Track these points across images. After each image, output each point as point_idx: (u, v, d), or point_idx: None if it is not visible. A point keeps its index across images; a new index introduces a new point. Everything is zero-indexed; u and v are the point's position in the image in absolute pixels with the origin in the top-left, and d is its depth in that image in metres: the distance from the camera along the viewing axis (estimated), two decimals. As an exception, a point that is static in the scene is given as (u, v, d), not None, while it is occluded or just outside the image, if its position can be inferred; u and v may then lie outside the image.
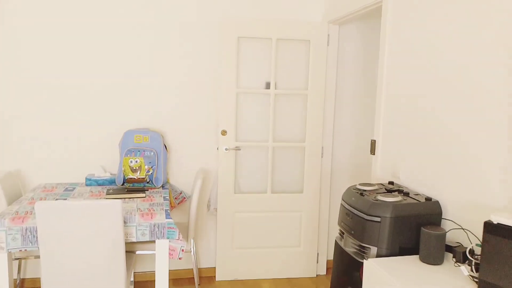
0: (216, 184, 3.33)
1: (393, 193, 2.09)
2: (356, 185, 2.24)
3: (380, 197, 1.97)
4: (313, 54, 3.27)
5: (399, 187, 2.22)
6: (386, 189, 2.15)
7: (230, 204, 3.32)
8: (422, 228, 1.82)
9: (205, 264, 3.47)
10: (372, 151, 2.58)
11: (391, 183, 2.28)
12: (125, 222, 2.33)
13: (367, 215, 1.93)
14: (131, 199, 2.71)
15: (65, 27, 3.04)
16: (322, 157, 3.42)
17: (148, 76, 3.20)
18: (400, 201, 1.94)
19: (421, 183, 2.15)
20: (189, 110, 3.29)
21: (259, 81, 3.31)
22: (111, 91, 3.16)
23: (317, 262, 3.52)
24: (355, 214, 2.02)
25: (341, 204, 2.20)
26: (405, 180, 2.29)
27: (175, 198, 3.28)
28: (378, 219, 1.90)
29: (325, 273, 3.56)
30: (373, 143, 2.57)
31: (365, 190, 2.14)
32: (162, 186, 3.08)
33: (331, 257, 3.68)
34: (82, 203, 2.15)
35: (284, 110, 3.36)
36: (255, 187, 3.42)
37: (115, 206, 2.18)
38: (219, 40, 3.25)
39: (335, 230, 3.66)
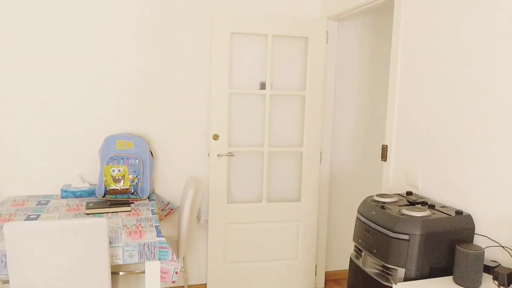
0: (207, 194, 3.05)
1: (417, 205, 1.87)
2: (372, 196, 2.02)
3: (405, 211, 1.75)
4: (311, 52, 3.04)
5: (421, 198, 2.01)
6: (408, 201, 1.93)
7: (222, 215, 3.05)
8: (458, 247, 1.60)
9: (194, 281, 3.18)
10: (383, 157, 2.36)
11: (409, 193, 2.07)
12: (110, 242, 2.03)
13: (392, 232, 1.71)
14: (114, 213, 2.40)
15: (42, 26, 2.70)
16: (320, 162, 3.19)
17: (131, 76, 2.89)
18: (429, 215, 1.72)
19: (445, 193, 1.95)
20: (178, 112, 2.99)
21: (253, 81, 3.05)
22: (90, 92, 2.83)
23: (315, 275, 3.29)
24: (377, 230, 1.79)
25: (358, 218, 1.97)
26: (425, 190, 2.08)
27: (162, 210, 2.98)
28: (406, 236, 1.68)
29: (323, 286, 3.33)
30: (384, 149, 2.36)
31: (384, 203, 1.92)
32: (148, 197, 2.78)
33: (329, 269, 3.46)
34: (60, 223, 1.83)
35: (280, 112, 3.12)
36: (249, 196, 3.16)
37: (100, 225, 1.88)
38: (210, 36, 2.98)
39: (334, 240, 3.44)
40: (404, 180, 2.23)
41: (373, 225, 1.82)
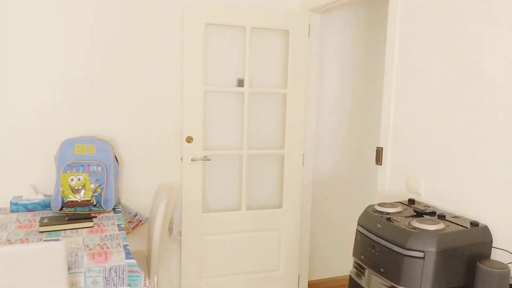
0: (180, 202, 2.75)
1: (425, 216, 1.67)
2: (373, 206, 1.80)
3: (417, 224, 1.54)
4: (293, 46, 2.80)
5: (427, 207, 1.81)
6: (415, 211, 1.72)
7: (197, 226, 2.76)
8: (479, 264, 1.41)
9: (167, 298, 2.87)
10: (378, 161, 2.16)
11: (411, 201, 1.87)
12: (69, 268, 1.70)
13: (404, 248, 1.49)
14: (74, 231, 2.06)
15: (-23, 5, 2.30)
16: (303, 165, 2.96)
17: (92, 71, 2.54)
18: (444, 228, 1.52)
19: (453, 201, 1.75)
20: (146, 112, 2.67)
21: (230, 78, 2.78)
22: (44, 89, 2.46)
23: (298, 286, 3.06)
24: (385, 246, 1.57)
25: (359, 231, 1.74)
26: (428, 197, 1.88)
27: (129, 222, 2.65)
28: (420, 254, 1.46)
29: (306, 298, 3.11)
30: (379, 151, 2.15)
31: (389, 213, 1.70)
32: (114, 209, 2.45)
33: (312, 278, 3.25)
34: (7, 250, 1.49)
35: (259, 111, 2.86)
36: (227, 203, 2.88)
37: (56, 250, 1.55)
38: (182, 27, 2.67)
39: (318, 248, 3.22)
40: (403, 186, 2.03)
41: (379, 240, 1.60)
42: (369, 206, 1.81)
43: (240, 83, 2.79)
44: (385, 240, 1.57)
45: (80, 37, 2.48)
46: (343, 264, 3.32)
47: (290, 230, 2.95)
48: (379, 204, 1.77)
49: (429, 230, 1.50)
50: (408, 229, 1.52)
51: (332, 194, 3.20)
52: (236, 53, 2.76)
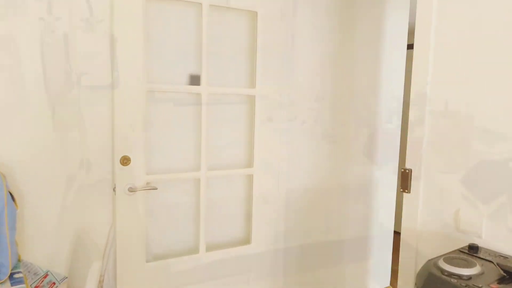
0: (113, 250, 1.93)
1: (524, 279, 1.13)
2: (435, 261, 1.22)
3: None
4: (262, 32, 2.14)
5: (502, 256, 1.27)
6: (504, 270, 1.17)
7: (139, 281, 1.96)
8: None
9: None
10: (405, 187, 1.59)
11: (474, 248, 1.33)
12: None
13: None
14: None
15: None
16: (277, 186, 2.31)
17: (-35, 60, 1.61)
18: None
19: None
20: (58, 125, 1.80)
21: (180, 74, 2.03)
22: None
23: None
24: None
25: (427, 308, 1.15)
26: (494, 241, 1.36)
27: (36, 287, 1.78)
28: None
29: None
30: (406, 175, 1.59)
31: (469, 277, 1.13)
32: (11, 277, 1.57)
33: (283, 326, 2.61)
34: None
35: (220, 119, 2.15)
36: (179, 245, 2.12)
37: None
38: (112, 2, 1.85)
39: None
40: (447, 222, 1.49)
41: (477, 329, 1.02)
42: (429, 261, 1.23)
43: (194, 80, 2.05)
44: (490, 330, 0.99)
45: None
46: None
47: (262, 272, 2.29)
48: (446, 260, 1.20)
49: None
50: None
51: (313, 222, 2.58)
52: (189, 39, 2.02)
